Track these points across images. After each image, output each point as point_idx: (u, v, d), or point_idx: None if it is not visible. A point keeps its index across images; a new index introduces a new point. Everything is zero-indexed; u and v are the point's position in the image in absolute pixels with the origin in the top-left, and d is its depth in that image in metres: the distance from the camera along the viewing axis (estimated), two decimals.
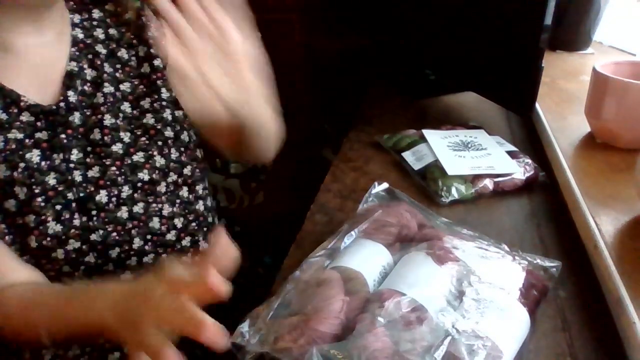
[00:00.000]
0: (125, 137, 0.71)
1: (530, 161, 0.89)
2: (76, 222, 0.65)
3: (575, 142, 0.89)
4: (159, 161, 0.72)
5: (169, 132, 0.74)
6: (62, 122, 0.67)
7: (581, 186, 0.75)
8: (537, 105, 0.99)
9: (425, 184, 0.87)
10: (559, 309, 0.62)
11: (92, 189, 0.67)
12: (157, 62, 0.76)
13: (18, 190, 0.62)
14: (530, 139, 1.04)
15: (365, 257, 0.61)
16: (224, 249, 0.46)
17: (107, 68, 0.72)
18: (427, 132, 0.98)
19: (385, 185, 0.77)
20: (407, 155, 0.94)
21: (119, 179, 0.69)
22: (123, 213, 0.69)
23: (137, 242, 0.70)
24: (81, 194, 0.66)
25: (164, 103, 0.75)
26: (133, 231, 0.70)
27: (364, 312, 0.52)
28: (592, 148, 0.87)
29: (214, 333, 0.42)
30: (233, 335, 0.51)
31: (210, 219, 0.82)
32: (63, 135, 0.66)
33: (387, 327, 0.49)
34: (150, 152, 0.72)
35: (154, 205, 0.72)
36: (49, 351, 0.69)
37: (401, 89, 1.33)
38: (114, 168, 0.69)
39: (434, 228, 0.69)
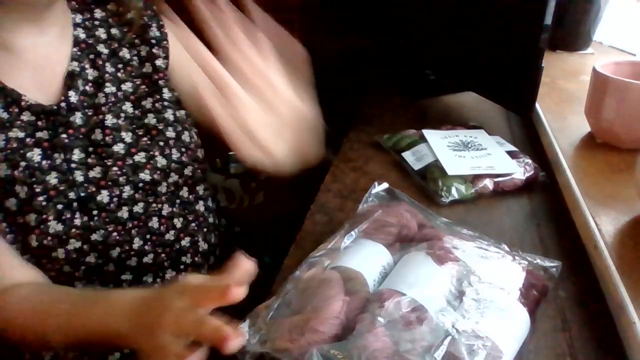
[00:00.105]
0: (127, 137, 0.71)
1: (530, 161, 0.89)
2: (77, 221, 0.65)
3: (575, 142, 0.89)
4: (160, 161, 0.72)
5: (170, 133, 0.74)
6: (63, 122, 0.67)
7: (581, 186, 0.75)
8: (537, 105, 0.99)
9: (425, 184, 0.87)
10: (559, 309, 0.62)
11: (94, 189, 0.67)
12: (159, 62, 0.76)
13: (19, 189, 0.62)
14: (530, 139, 1.04)
15: (365, 257, 0.61)
16: (243, 271, 0.46)
17: (109, 68, 0.72)
18: (427, 132, 0.98)
19: (385, 185, 0.77)
20: (407, 155, 0.94)
21: (121, 179, 0.69)
22: (124, 213, 0.69)
23: (137, 242, 0.70)
24: (82, 194, 0.66)
25: (165, 103, 0.75)
26: (133, 231, 0.70)
27: (364, 312, 0.52)
28: (592, 148, 0.87)
29: (235, 342, 0.43)
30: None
31: (210, 220, 0.82)
32: (64, 135, 0.66)
33: (387, 327, 0.49)
34: (151, 153, 0.72)
35: (154, 205, 0.72)
36: (48, 352, 0.69)
37: (401, 89, 1.33)
38: (115, 168, 0.69)
39: (434, 228, 0.69)
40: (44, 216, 0.63)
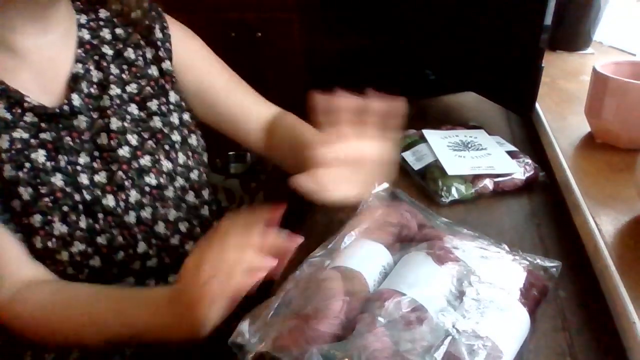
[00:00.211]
0: (132, 139, 0.70)
1: (530, 161, 0.89)
2: (82, 224, 0.64)
3: (575, 142, 0.89)
4: (166, 165, 0.72)
5: (175, 136, 0.74)
6: (67, 125, 0.66)
7: (581, 186, 0.75)
8: (537, 105, 0.99)
9: (425, 184, 0.87)
10: (559, 309, 0.62)
11: (99, 192, 0.66)
12: (165, 66, 0.75)
13: (22, 190, 0.61)
14: (530, 139, 1.04)
15: (366, 257, 0.61)
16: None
17: (114, 69, 0.71)
18: (427, 132, 0.98)
19: (385, 185, 0.77)
20: (407, 155, 0.94)
21: (126, 183, 0.68)
22: (131, 218, 0.68)
23: (141, 246, 0.69)
24: (88, 197, 0.65)
25: (171, 106, 0.75)
26: (138, 235, 0.69)
27: (364, 312, 0.52)
28: (592, 148, 0.87)
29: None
30: (233, 334, 0.51)
31: (214, 224, 0.81)
32: (69, 138, 0.66)
33: (387, 327, 0.49)
34: (156, 156, 0.71)
35: (161, 210, 0.71)
36: (50, 355, 0.69)
37: (401, 89, 1.33)
38: (120, 172, 0.68)
39: (434, 228, 0.69)
40: (49, 218, 0.62)
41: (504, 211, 0.82)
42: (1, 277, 0.61)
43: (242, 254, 0.50)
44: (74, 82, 0.68)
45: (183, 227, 0.74)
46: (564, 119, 0.97)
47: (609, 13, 1.32)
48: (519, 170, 0.86)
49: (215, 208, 0.83)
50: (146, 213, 0.70)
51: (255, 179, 1.56)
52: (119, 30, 0.74)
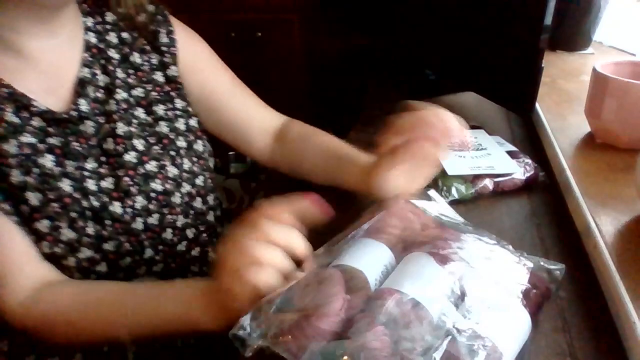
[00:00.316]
0: (139, 144, 0.69)
1: (530, 161, 0.89)
2: (89, 230, 0.64)
3: (575, 142, 0.89)
4: (172, 171, 0.71)
5: (181, 142, 0.74)
6: (75, 130, 0.65)
7: (581, 186, 0.75)
8: (537, 105, 0.99)
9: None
10: (560, 309, 0.62)
11: (106, 199, 0.66)
12: (170, 72, 0.75)
13: (30, 195, 0.61)
14: (530, 139, 1.04)
15: (367, 257, 0.61)
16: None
17: (120, 73, 0.71)
18: None
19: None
20: None
21: (132, 189, 0.68)
22: (138, 224, 0.68)
23: (148, 252, 0.69)
24: (96, 203, 0.65)
25: (177, 112, 0.74)
26: (146, 242, 0.68)
27: (364, 311, 0.52)
28: (592, 148, 0.87)
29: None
30: (235, 326, 0.51)
31: (219, 229, 0.81)
32: (76, 144, 0.65)
33: (387, 325, 0.49)
34: (162, 162, 0.71)
35: (169, 216, 0.70)
36: (53, 359, 0.68)
37: (401, 89, 1.33)
38: (127, 179, 0.67)
39: (437, 228, 0.69)
40: (57, 223, 0.62)
41: (504, 211, 0.82)
42: (17, 278, 0.61)
43: (271, 253, 0.51)
44: (81, 86, 0.67)
45: (190, 233, 0.74)
46: (564, 119, 0.97)
47: (609, 13, 1.32)
48: (519, 170, 0.86)
49: (220, 213, 0.83)
50: (153, 220, 0.69)
51: (255, 179, 1.56)
52: (125, 35, 0.73)
